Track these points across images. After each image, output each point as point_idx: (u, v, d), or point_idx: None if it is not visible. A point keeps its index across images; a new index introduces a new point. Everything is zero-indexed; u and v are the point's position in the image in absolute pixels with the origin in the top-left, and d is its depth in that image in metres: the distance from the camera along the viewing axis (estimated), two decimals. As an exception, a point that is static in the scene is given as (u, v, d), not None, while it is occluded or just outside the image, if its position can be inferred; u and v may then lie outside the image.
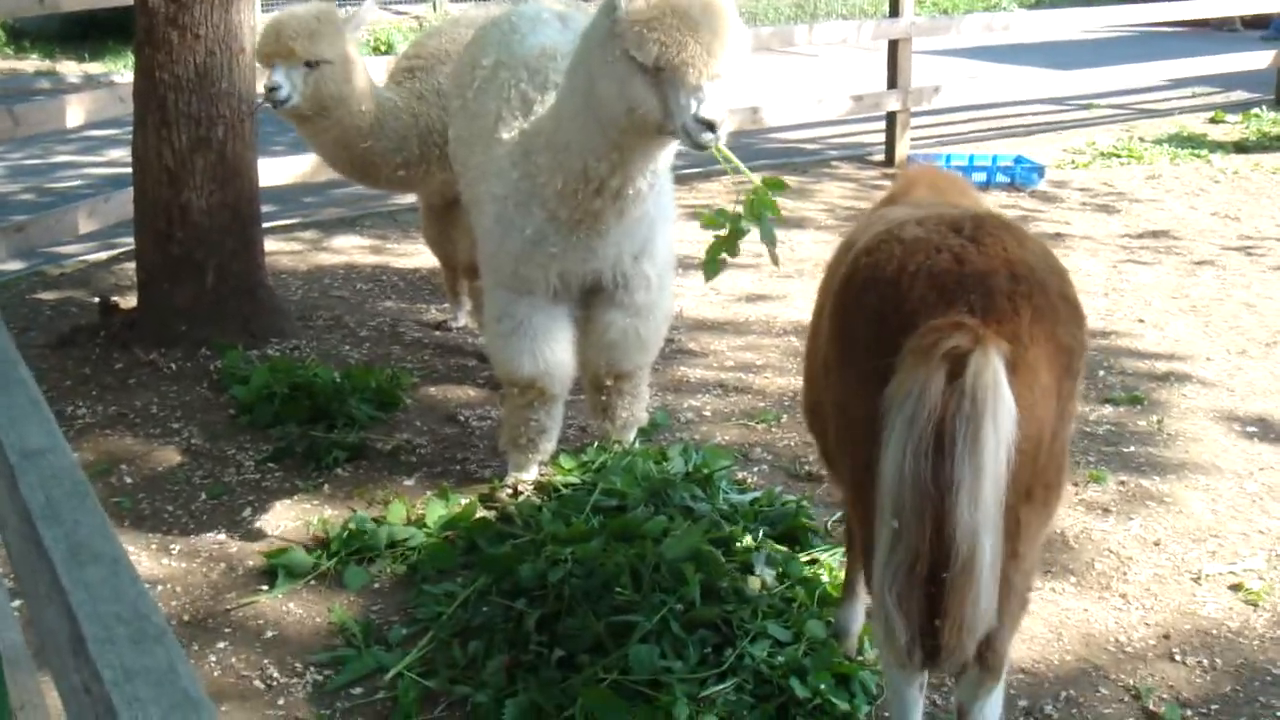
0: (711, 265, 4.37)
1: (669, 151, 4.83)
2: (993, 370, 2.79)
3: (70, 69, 18.54)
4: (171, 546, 5.07)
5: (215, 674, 4.26)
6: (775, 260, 4.39)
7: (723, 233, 4.33)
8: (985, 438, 2.77)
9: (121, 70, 17.56)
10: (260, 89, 6.54)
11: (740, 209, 4.31)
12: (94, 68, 18.51)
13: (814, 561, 4.71)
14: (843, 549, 4.66)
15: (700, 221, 4.41)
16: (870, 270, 3.18)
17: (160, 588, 4.75)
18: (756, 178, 4.33)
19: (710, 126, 4.23)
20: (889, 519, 2.88)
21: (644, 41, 4.23)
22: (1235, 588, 4.74)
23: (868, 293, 3.17)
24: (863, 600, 4.18)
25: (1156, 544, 5.06)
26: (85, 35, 19.87)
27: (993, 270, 3.03)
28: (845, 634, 4.25)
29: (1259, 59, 14.58)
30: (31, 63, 19.16)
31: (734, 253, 4.37)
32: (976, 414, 2.77)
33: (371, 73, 6.71)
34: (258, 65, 6.74)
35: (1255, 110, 14.07)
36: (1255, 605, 4.63)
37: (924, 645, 2.97)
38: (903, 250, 3.13)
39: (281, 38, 6.14)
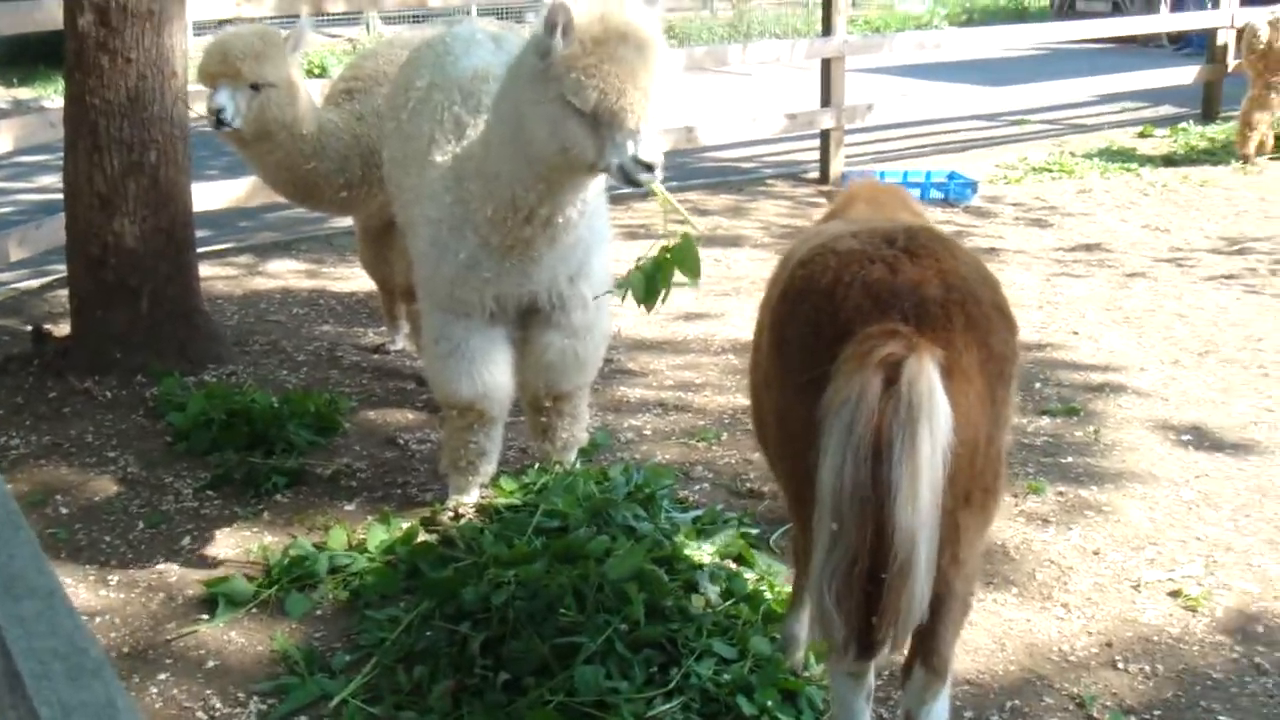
0: (648, 293, 4.30)
1: (599, 182, 4.86)
2: (927, 376, 2.85)
3: (-1, 94, 18.35)
4: (109, 577, 5.00)
5: (157, 705, 4.20)
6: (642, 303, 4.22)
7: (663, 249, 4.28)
8: (922, 442, 2.83)
9: (52, 95, 17.39)
10: (199, 110, 6.46)
11: (664, 244, 4.26)
12: (23, 93, 18.31)
13: (758, 578, 4.72)
14: (784, 564, 4.68)
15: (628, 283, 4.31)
16: (805, 281, 3.24)
17: (98, 619, 4.68)
18: (694, 221, 4.32)
19: (649, 168, 4.29)
20: (828, 521, 2.91)
21: (581, 88, 4.25)
22: (1174, 594, 4.79)
23: (803, 303, 3.23)
24: (809, 609, 4.18)
25: (1096, 553, 5.10)
26: (14, 60, 19.65)
27: (925, 280, 3.09)
28: (793, 643, 4.26)
29: (1185, 74, 14.86)
30: (-41, 89, 18.95)
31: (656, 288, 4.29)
32: (913, 418, 2.83)
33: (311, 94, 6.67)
34: (197, 86, 6.68)
35: (1183, 125, 14.31)
36: (1194, 611, 4.68)
37: (860, 640, 3.01)
38: (837, 261, 3.19)
39: (228, 59, 6.08)
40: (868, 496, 2.86)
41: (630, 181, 4.36)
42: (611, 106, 4.24)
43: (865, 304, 3.06)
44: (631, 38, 4.28)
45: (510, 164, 4.66)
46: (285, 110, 6.22)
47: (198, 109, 6.72)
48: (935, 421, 2.84)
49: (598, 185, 4.89)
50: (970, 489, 3.11)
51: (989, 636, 4.52)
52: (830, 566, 2.93)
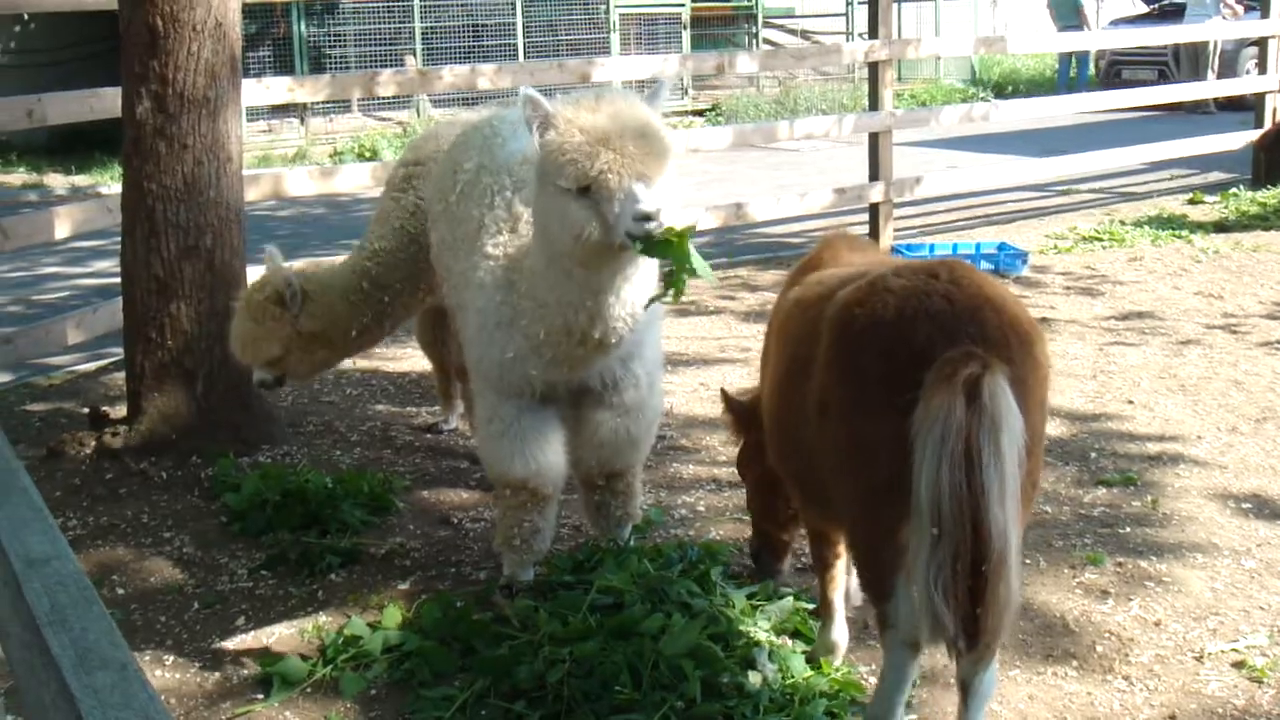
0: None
1: (645, 284, 4.77)
2: (1004, 390, 3.32)
3: (57, 181, 18.65)
4: (165, 658, 5.02)
5: (212, 787, 4.20)
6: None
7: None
8: (1006, 447, 3.30)
9: (109, 182, 17.67)
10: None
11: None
12: (81, 180, 18.62)
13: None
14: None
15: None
16: (870, 318, 3.68)
17: (155, 700, 4.69)
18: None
19: (647, 218, 4.19)
20: (929, 526, 3.32)
21: (562, 167, 4.29)
22: (1239, 665, 4.71)
23: (874, 336, 3.66)
24: (844, 616, 4.63)
25: (1157, 624, 5.03)
26: (72, 148, 20.03)
27: (979, 306, 3.60)
28: (834, 651, 4.61)
29: (1234, 140, 14.79)
30: (19, 176, 19.28)
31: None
32: (996, 428, 3.29)
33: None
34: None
35: (1233, 190, 14.24)
36: (1260, 682, 4.60)
37: (966, 631, 3.39)
38: (896, 299, 3.65)
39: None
40: (965, 498, 3.27)
41: (639, 238, 4.24)
42: (589, 173, 4.23)
43: (934, 333, 3.51)
44: (605, 107, 4.32)
45: (554, 291, 4.67)
46: None
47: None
48: (1014, 429, 3.31)
49: (643, 290, 4.77)
50: (1023, 483, 3.49)
51: (1049, 710, 4.45)
52: (935, 566, 3.32)
